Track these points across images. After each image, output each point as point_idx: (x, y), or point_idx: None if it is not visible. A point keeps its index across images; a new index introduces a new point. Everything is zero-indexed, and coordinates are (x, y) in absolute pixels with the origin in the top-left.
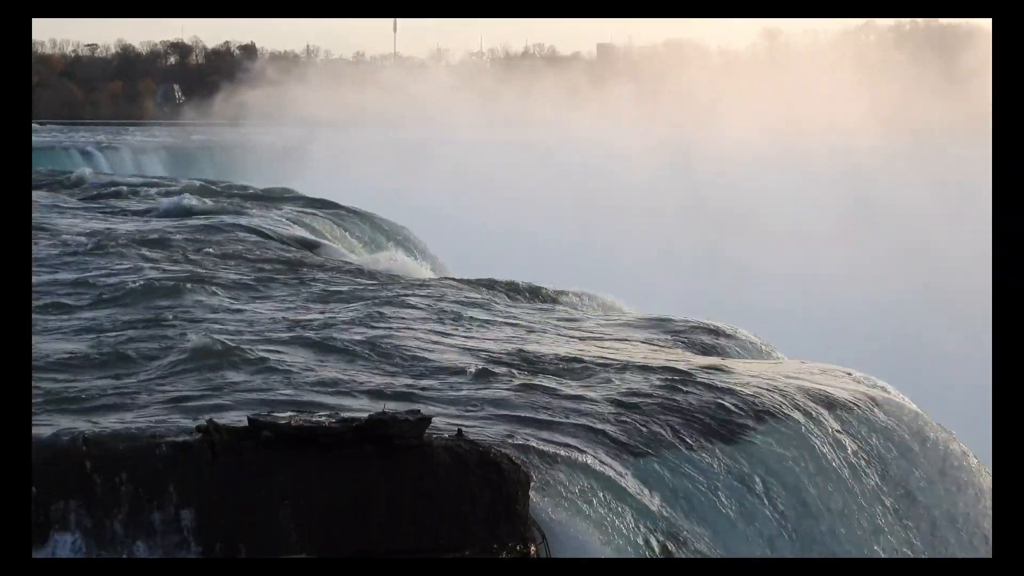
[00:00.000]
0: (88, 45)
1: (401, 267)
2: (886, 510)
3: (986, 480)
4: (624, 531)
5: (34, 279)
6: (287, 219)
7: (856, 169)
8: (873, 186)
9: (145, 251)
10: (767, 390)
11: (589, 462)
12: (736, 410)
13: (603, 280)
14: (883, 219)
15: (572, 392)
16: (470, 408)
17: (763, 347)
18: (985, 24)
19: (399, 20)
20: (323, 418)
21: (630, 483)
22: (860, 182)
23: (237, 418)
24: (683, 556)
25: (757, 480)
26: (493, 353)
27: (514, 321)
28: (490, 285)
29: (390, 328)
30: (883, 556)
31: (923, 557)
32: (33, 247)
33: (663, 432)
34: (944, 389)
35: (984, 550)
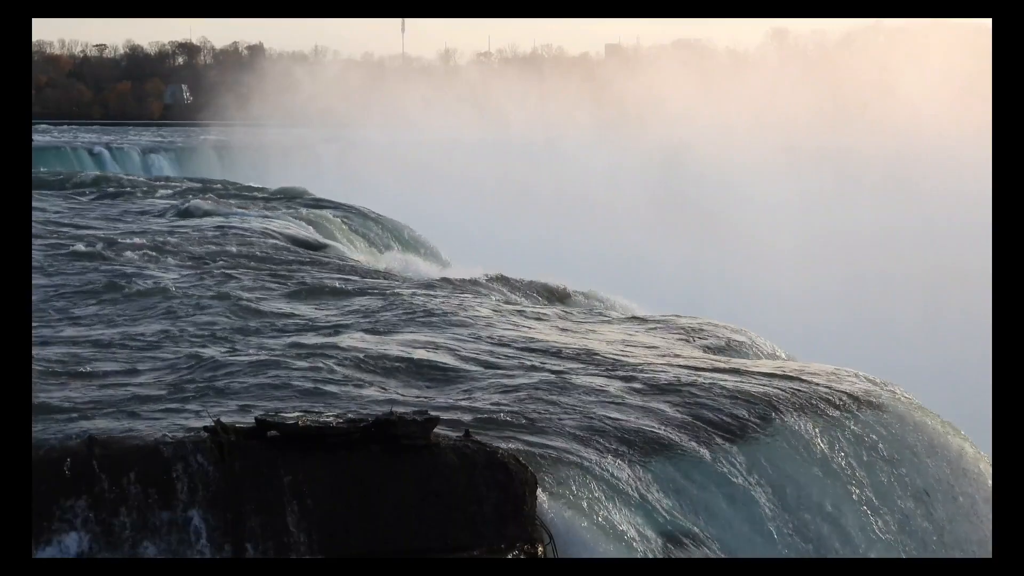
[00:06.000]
0: (96, 45)
1: (408, 267)
2: (895, 509)
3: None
4: (631, 531)
5: (38, 279)
6: (295, 220)
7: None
8: (879, 192)
9: (151, 252)
10: (775, 391)
11: (597, 462)
12: (744, 411)
13: (610, 280)
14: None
15: (580, 392)
16: (478, 408)
17: (771, 348)
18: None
19: (407, 20)
20: (331, 418)
21: (637, 483)
22: (864, 186)
23: (245, 418)
24: (689, 556)
25: (764, 481)
26: (500, 353)
27: (522, 320)
28: (498, 285)
29: (396, 328)
30: (888, 556)
31: (924, 557)
32: (36, 248)
33: (670, 432)
34: (952, 390)
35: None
